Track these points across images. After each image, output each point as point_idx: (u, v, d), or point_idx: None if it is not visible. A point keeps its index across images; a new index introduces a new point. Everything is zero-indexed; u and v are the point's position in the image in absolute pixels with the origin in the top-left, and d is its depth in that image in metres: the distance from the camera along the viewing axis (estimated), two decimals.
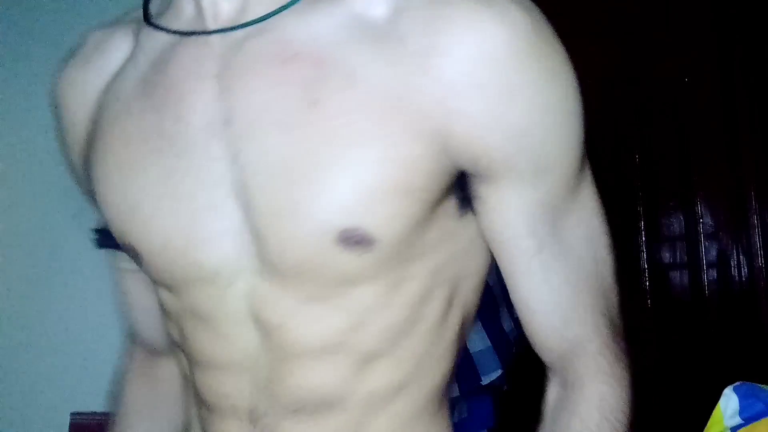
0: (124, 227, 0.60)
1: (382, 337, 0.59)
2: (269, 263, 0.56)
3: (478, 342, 1.60)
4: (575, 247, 0.60)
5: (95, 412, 1.58)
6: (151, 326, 0.76)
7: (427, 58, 0.54)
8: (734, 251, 1.76)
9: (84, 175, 0.66)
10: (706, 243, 1.78)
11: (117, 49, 0.65)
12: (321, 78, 0.54)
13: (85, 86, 0.65)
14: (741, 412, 0.67)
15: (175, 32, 0.60)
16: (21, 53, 1.67)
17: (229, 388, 0.61)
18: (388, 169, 0.54)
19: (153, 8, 0.65)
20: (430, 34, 0.54)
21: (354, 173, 0.53)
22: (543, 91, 0.56)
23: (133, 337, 0.80)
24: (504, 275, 0.61)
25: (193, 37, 0.59)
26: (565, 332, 0.60)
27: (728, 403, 0.69)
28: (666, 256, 1.83)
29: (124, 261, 0.70)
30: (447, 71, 0.54)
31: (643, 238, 1.82)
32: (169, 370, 0.77)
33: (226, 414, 0.61)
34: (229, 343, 0.59)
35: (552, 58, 0.56)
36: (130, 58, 0.63)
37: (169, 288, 0.61)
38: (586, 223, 0.60)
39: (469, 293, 0.64)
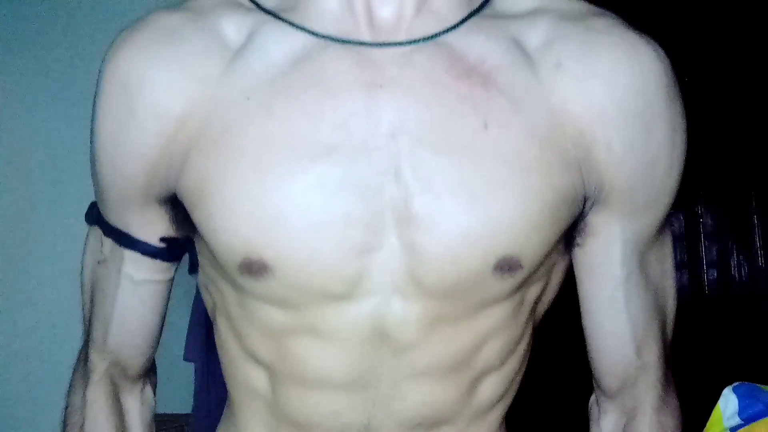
0: (259, 239, 0.54)
1: (497, 355, 0.60)
2: (420, 283, 0.54)
3: None
4: (654, 280, 0.62)
5: None
6: (139, 347, 0.66)
7: (584, 83, 0.55)
8: (734, 251, 1.75)
9: (168, 174, 0.57)
10: (706, 243, 1.78)
11: (223, 36, 0.57)
12: (490, 99, 0.54)
13: (184, 71, 0.56)
14: (740, 413, 0.67)
15: (327, 38, 0.55)
16: None
17: (341, 405, 0.58)
18: (548, 198, 0.54)
19: None
20: (587, 61, 0.55)
21: (522, 200, 0.53)
22: (675, 130, 0.58)
23: (96, 358, 0.66)
24: (584, 299, 0.62)
25: (347, 44, 0.55)
26: (635, 359, 0.62)
27: (728, 404, 0.69)
28: None
29: (132, 267, 0.62)
30: (601, 97, 0.55)
31: None
32: (134, 400, 0.68)
33: (330, 431, 0.59)
34: (350, 362, 0.57)
35: (681, 101, 0.58)
36: (253, 51, 0.56)
37: (288, 304, 0.56)
38: (664, 260, 0.63)
39: (541, 313, 0.66)
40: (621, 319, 0.61)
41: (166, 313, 0.67)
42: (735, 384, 0.70)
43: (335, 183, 0.53)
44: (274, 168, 0.54)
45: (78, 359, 0.68)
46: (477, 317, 0.57)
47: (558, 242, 0.58)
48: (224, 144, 0.55)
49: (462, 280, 0.54)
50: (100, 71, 0.59)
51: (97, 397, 0.66)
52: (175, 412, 1.53)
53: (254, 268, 0.54)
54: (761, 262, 1.73)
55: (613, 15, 0.60)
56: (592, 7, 0.59)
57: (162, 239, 0.61)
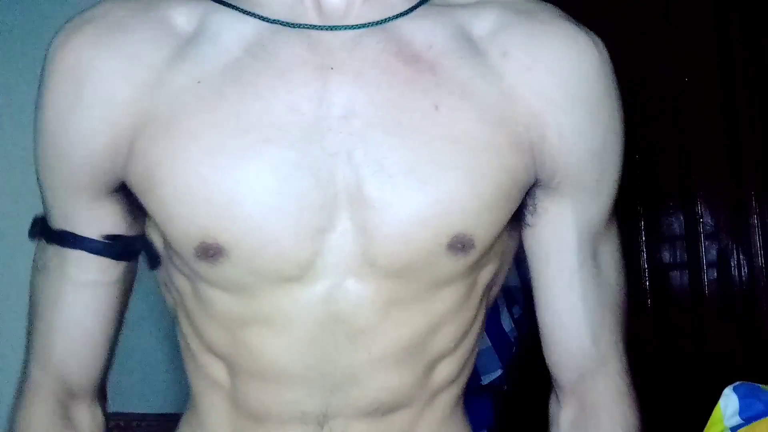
0: (215, 223, 0.53)
1: (452, 338, 0.60)
2: (373, 264, 0.54)
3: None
4: (607, 272, 0.63)
5: None
6: (85, 359, 0.63)
7: (530, 72, 0.56)
8: (734, 251, 1.76)
9: (114, 162, 0.57)
10: (706, 243, 1.78)
11: (173, 25, 0.57)
12: (439, 84, 0.55)
13: (132, 58, 0.56)
14: (741, 412, 0.67)
15: (277, 22, 0.56)
16: None
17: (299, 394, 0.58)
18: (499, 178, 0.55)
19: None
20: (532, 50, 0.57)
21: (472, 180, 0.54)
22: (616, 116, 0.60)
23: (39, 375, 0.63)
24: (539, 290, 0.63)
25: (297, 28, 0.56)
26: (592, 351, 0.62)
27: (728, 403, 0.69)
28: (666, 256, 1.83)
29: (75, 268, 0.60)
30: (547, 84, 0.57)
31: (643, 238, 1.82)
32: (83, 418, 0.64)
33: (289, 420, 0.59)
34: (306, 350, 0.57)
35: (618, 90, 0.60)
36: (205, 39, 0.56)
37: (243, 290, 0.56)
38: (614, 253, 0.64)
39: (494, 296, 0.67)
40: (578, 308, 0.61)
41: (119, 325, 0.64)
42: (735, 384, 0.70)
43: (289, 165, 0.53)
44: (227, 151, 0.53)
45: (20, 381, 0.64)
46: (431, 300, 0.57)
47: (508, 222, 0.58)
48: (174, 129, 0.55)
49: (414, 260, 0.54)
50: (45, 61, 0.58)
51: (41, 417, 0.62)
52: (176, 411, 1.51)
53: (210, 252, 0.54)
54: (761, 262, 1.73)
55: (556, 7, 0.61)
56: (535, 1, 0.61)
57: (107, 236, 0.59)
